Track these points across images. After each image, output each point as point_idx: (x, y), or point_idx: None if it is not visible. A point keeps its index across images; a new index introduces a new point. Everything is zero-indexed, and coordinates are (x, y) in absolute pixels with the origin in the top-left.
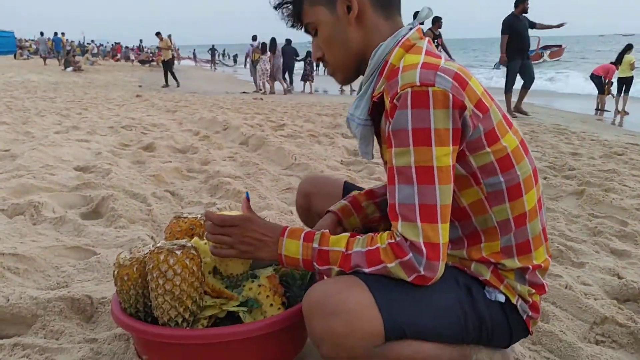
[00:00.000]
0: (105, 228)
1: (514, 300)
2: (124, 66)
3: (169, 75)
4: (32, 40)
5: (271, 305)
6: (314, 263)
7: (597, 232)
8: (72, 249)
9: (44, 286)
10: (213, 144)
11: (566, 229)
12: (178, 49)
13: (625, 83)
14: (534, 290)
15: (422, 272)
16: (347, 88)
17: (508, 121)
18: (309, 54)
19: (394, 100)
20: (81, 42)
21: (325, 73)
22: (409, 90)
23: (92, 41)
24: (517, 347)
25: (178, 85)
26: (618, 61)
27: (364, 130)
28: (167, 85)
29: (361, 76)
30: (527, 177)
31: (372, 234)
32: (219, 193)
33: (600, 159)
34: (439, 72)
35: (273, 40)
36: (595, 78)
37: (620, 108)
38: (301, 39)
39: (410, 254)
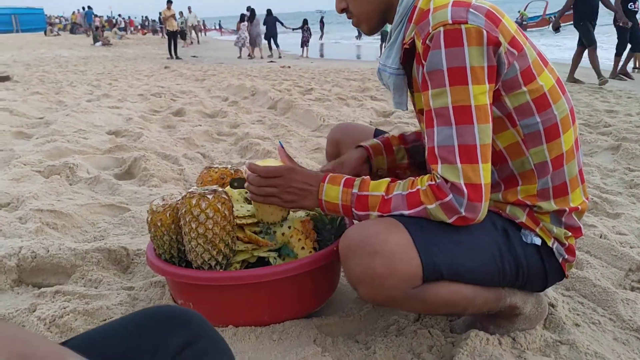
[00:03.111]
0: (138, 187)
1: (549, 243)
2: (152, 39)
3: (172, 46)
4: (62, 16)
5: (303, 248)
6: (353, 208)
7: (634, 184)
8: (107, 206)
9: (81, 240)
10: (241, 108)
11: (601, 183)
12: (200, 21)
13: None
14: (570, 233)
15: (464, 213)
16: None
17: (544, 59)
18: (305, 22)
19: (427, 41)
20: (109, 17)
21: (323, 39)
22: (442, 29)
23: (119, 15)
24: (551, 292)
25: (171, 58)
26: None
27: (396, 80)
28: (171, 57)
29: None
30: (565, 116)
31: (412, 177)
32: (249, 154)
33: (638, 115)
34: (471, 9)
35: (251, 10)
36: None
37: None
38: (281, 10)
39: (451, 195)
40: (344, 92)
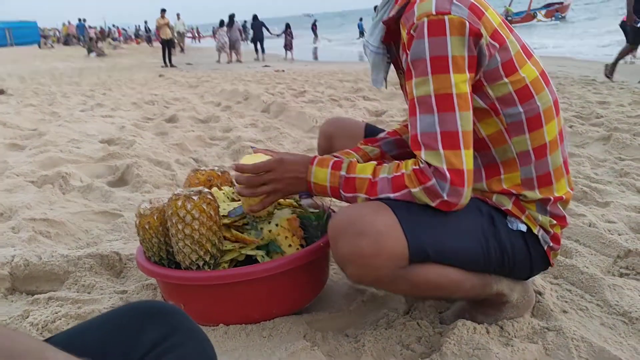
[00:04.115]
0: (131, 193)
1: (535, 230)
2: (147, 49)
3: (167, 54)
4: (56, 29)
5: (290, 246)
6: (341, 190)
7: (624, 173)
8: (100, 213)
9: (74, 247)
10: (234, 112)
11: (591, 173)
12: (193, 29)
13: None
14: (555, 222)
15: (446, 198)
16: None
17: (527, 52)
18: (288, 26)
19: (411, 31)
20: (103, 28)
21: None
22: (425, 19)
23: (114, 25)
24: (539, 280)
25: (166, 66)
26: None
27: (376, 57)
28: (166, 65)
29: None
30: (548, 108)
31: (397, 161)
32: (241, 157)
33: (630, 105)
34: (454, 1)
35: (230, 16)
36: (627, 26)
37: None
38: (267, 14)
39: (434, 180)
40: (337, 94)
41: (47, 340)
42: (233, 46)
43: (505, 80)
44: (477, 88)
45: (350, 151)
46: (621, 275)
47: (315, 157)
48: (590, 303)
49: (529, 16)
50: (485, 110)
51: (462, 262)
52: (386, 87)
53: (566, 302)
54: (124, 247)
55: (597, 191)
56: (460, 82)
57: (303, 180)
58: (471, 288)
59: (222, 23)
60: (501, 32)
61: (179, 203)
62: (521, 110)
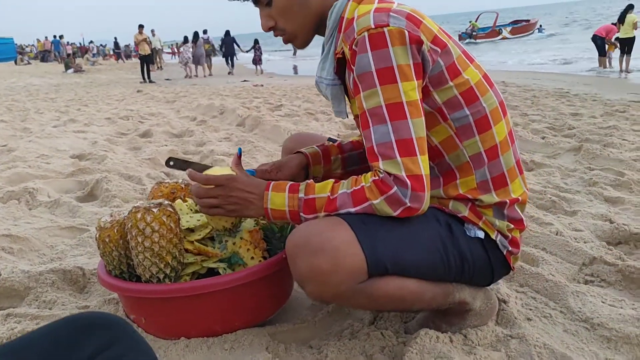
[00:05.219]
0: (99, 208)
1: (493, 236)
2: (125, 65)
3: (145, 70)
4: (33, 45)
5: (252, 258)
6: (301, 213)
7: (592, 182)
8: (67, 229)
9: (37, 262)
10: (209, 127)
11: (561, 182)
12: (173, 45)
13: (627, 44)
14: (512, 226)
15: (409, 204)
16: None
17: (469, 56)
18: (256, 41)
19: (353, 47)
20: (81, 44)
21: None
22: (365, 34)
23: (91, 42)
24: (504, 288)
25: (144, 81)
26: (620, 21)
27: (333, 89)
28: (144, 81)
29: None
30: (494, 109)
31: (355, 176)
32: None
33: (602, 117)
34: (391, 13)
35: (195, 33)
36: (598, 39)
37: (623, 69)
38: (241, 31)
39: (395, 187)
40: (313, 107)
41: None
42: (198, 61)
43: (451, 83)
44: (424, 94)
45: (315, 146)
46: (586, 282)
47: (270, 182)
48: (554, 310)
49: (494, 32)
50: (433, 116)
51: (422, 272)
52: (347, 117)
53: (530, 309)
54: (88, 262)
55: (566, 200)
56: (410, 89)
57: (252, 203)
58: (432, 298)
59: (185, 39)
60: (441, 37)
61: (139, 215)
62: (468, 112)
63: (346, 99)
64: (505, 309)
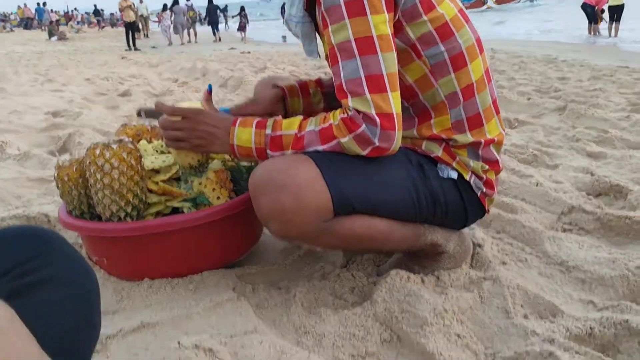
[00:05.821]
0: None
1: (467, 177)
2: (111, 32)
3: (130, 37)
4: (16, 13)
5: (218, 198)
6: (268, 150)
7: (575, 139)
8: (36, 180)
9: (1, 211)
10: (190, 87)
11: (544, 139)
12: (160, 14)
13: (617, 11)
14: (487, 167)
15: (377, 143)
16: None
17: None
18: (242, 8)
19: None
20: (65, 12)
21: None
22: None
23: (75, 9)
24: (480, 233)
25: (129, 49)
26: None
27: (303, 27)
28: (129, 49)
29: None
30: (470, 45)
31: (324, 113)
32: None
33: (588, 81)
34: None
35: (173, 1)
36: (587, 7)
37: (612, 36)
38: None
39: (364, 126)
40: (298, 70)
41: None
42: (177, 29)
43: (425, 18)
44: (397, 29)
45: (299, 92)
46: (564, 230)
47: (237, 118)
48: (530, 255)
49: (479, 2)
50: (407, 53)
51: (392, 212)
52: (320, 57)
53: (506, 254)
54: (55, 210)
55: (548, 154)
56: (380, 22)
57: (218, 138)
58: (402, 239)
59: (165, 7)
60: None
61: (97, 152)
62: (443, 49)
63: (318, 37)
64: (480, 252)
